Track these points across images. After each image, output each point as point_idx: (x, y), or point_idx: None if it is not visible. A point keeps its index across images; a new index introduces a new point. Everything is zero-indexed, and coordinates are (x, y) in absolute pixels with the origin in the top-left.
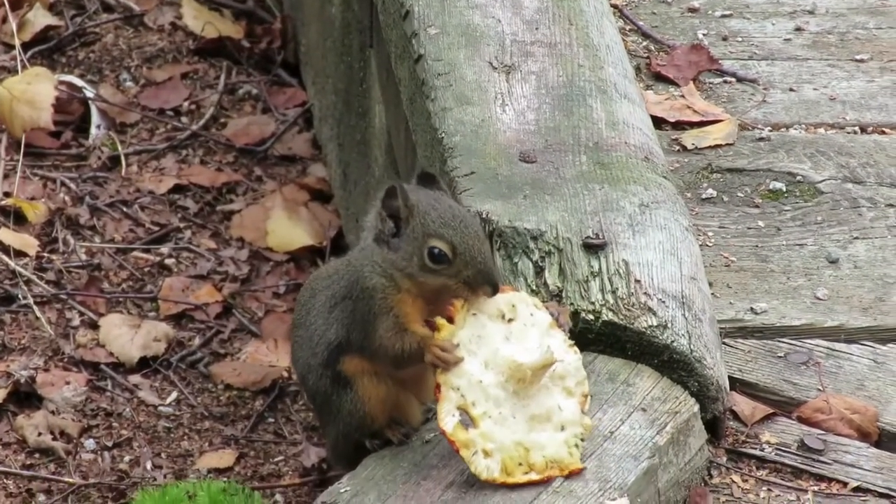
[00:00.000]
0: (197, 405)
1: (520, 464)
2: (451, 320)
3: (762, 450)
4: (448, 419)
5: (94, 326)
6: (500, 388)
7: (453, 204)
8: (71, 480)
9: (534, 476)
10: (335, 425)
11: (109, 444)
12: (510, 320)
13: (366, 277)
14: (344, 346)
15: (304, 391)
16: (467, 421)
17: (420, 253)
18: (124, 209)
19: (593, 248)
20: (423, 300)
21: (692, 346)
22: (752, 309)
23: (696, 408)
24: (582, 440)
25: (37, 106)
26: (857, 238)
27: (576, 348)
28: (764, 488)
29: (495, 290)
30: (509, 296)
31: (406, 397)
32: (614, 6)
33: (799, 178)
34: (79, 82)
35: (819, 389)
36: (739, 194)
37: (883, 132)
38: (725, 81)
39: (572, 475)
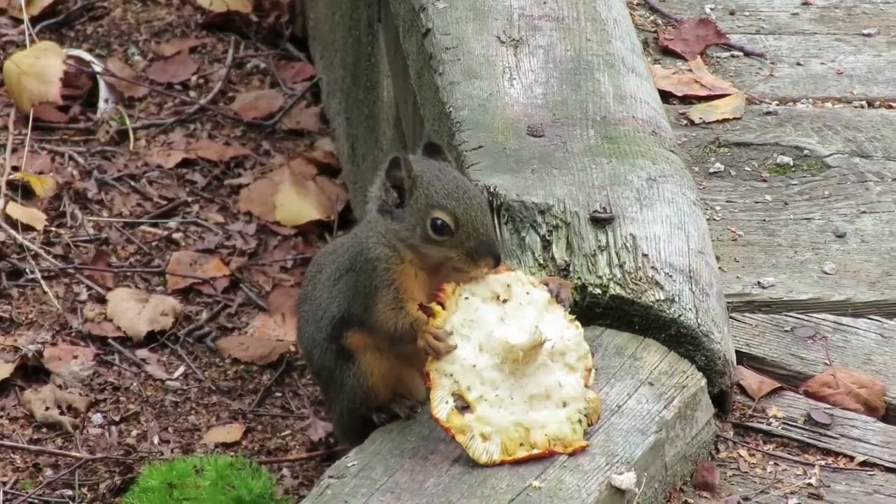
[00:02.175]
0: (204, 379)
1: (521, 444)
2: (442, 305)
3: (769, 424)
4: (441, 406)
5: (101, 301)
6: (495, 371)
7: (457, 175)
8: (78, 455)
9: (535, 452)
10: (340, 400)
11: (117, 418)
12: (504, 301)
13: (370, 248)
14: (346, 320)
15: (310, 366)
16: (463, 405)
17: (423, 223)
18: (132, 183)
19: (601, 222)
20: (426, 273)
21: (699, 321)
22: (759, 283)
23: (704, 382)
24: (586, 415)
25: (45, 80)
26: (864, 212)
27: (577, 323)
28: (771, 462)
29: (497, 262)
30: (504, 276)
31: (409, 372)
32: None
33: (806, 152)
34: (87, 56)
35: (826, 364)
36: (747, 168)
37: (890, 106)
38: (733, 56)
39: (576, 453)
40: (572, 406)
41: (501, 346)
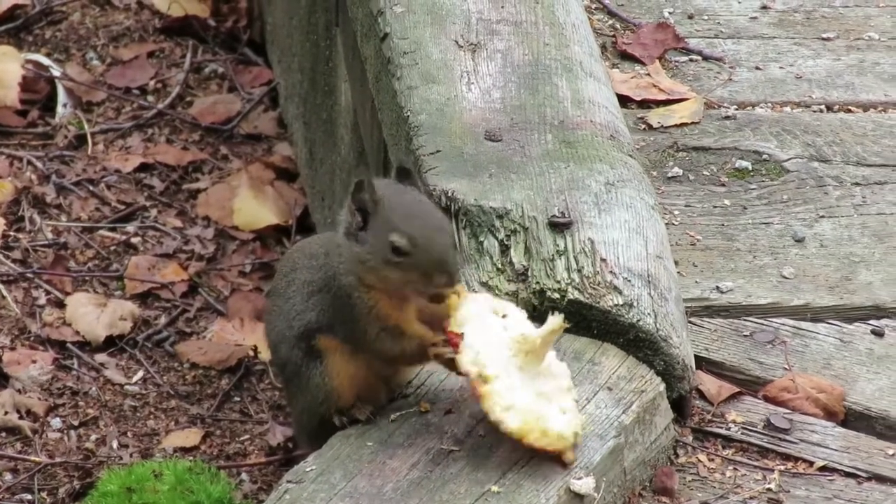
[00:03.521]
0: (163, 384)
1: (532, 431)
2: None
3: (728, 429)
4: (470, 368)
5: (60, 305)
6: (508, 362)
7: (421, 198)
8: (37, 459)
9: (548, 447)
10: (302, 397)
11: (76, 422)
12: (504, 316)
13: (340, 275)
14: (324, 330)
15: (274, 360)
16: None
17: (383, 248)
18: (90, 188)
19: (559, 226)
20: (397, 297)
21: (658, 325)
22: (717, 288)
23: (662, 387)
24: (576, 434)
25: (3, 84)
26: (823, 217)
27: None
28: (730, 467)
29: (452, 280)
30: (503, 303)
31: (377, 380)
32: None
33: (765, 156)
34: (45, 61)
35: (785, 368)
36: (705, 173)
37: (849, 110)
38: (691, 60)
39: (568, 465)
40: (569, 416)
41: (514, 339)
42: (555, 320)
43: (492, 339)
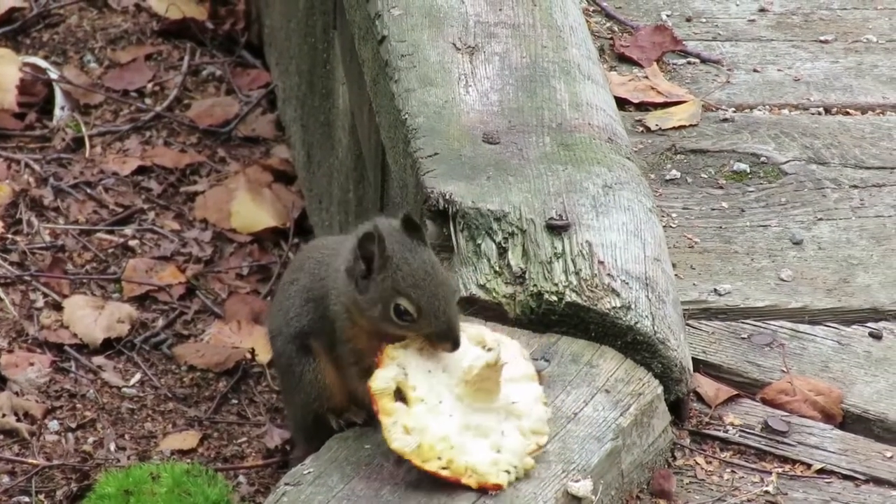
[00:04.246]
0: (160, 386)
1: (438, 457)
2: None
3: (726, 431)
4: (380, 382)
5: (57, 308)
6: (447, 388)
7: (427, 259)
8: (35, 461)
9: (444, 472)
10: (296, 394)
11: (73, 425)
12: (488, 349)
13: (331, 301)
14: (313, 335)
15: (272, 349)
16: (400, 398)
17: (385, 304)
18: (88, 190)
19: (557, 229)
20: (375, 340)
21: (656, 328)
22: (715, 290)
23: (660, 389)
24: (515, 477)
25: (1, 87)
26: (821, 219)
27: (547, 405)
28: (728, 470)
29: (455, 346)
30: (501, 336)
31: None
32: None
33: (763, 159)
34: (43, 64)
35: (783, 371)
36: (703, 175)
37: (847, 113)
38: (689, 62)
39: (486, 489)
40: (505, 456)
41: (463, 369)
42: (489, 356)
43: (436, 366)
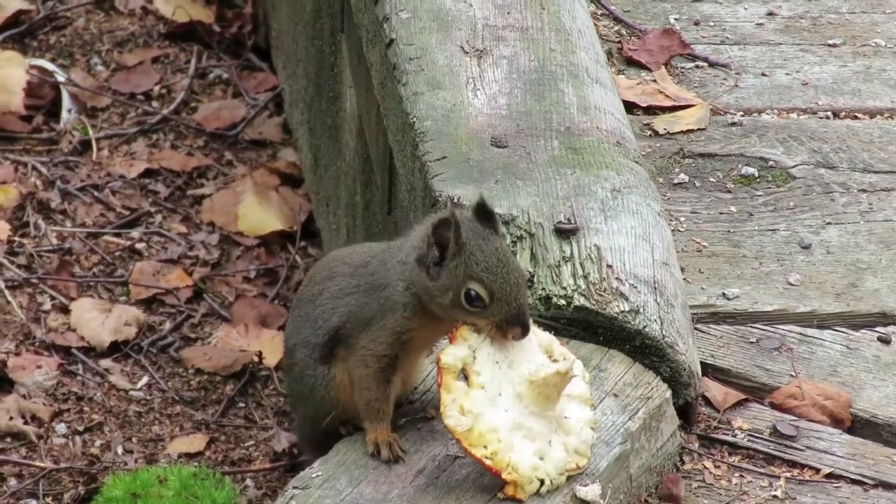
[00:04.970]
0: (168, 390)
1: (485, 446)
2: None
3: (734, 436)
4: (449, 357)
5: (65, 311)
6: (509, 383)
7: (500, 246)
8: (42, 465)
9: (487, 462)
10: (306, 407)
11: (80, 428)
12: (554, 360)
13: (397, 292)
14: (339, 335)
15: (287, 361)
16: (461, 377)
17: (457, 291)
18: (95, 193)
19: (565, 232)
20: (438, 332)
21: (664, 332)
22: (724, 294)
23: (668, 393)
24: (546, 490)
25: (8, 90)
26: (829, 223)
27: (594, 430)
28: (736, 474)
29: (525, 332)
30: (567, 351)
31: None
32: None
33: (771, 163)
34: (50, 66)
35: (791, 375)
36: (711, 179)
37: (855, 117)
38: (697, 66)
39: (510, 496)
40: (546, 466)
41: (527, 368)
42: (562, 364)
43: (503, 359)
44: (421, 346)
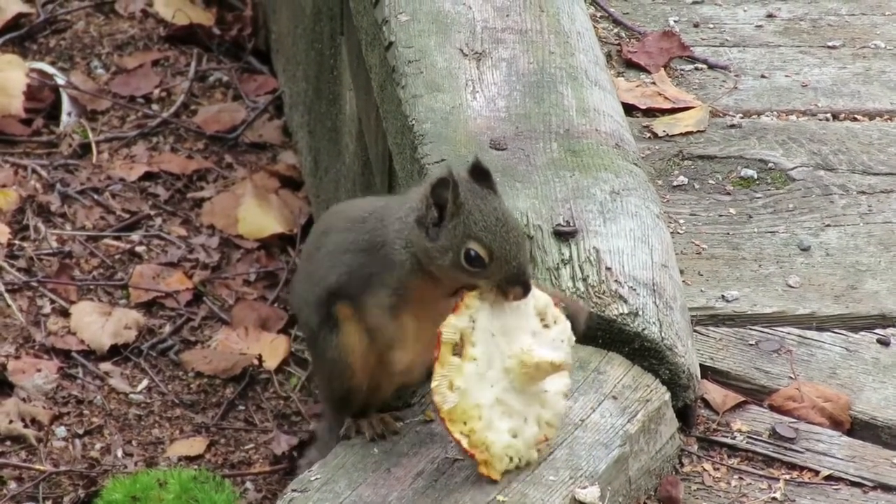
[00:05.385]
0: (168, 393)
1: (464, 422)
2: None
3: (733, 438)
4: (450, 330)
5: (65, 314)
6: (499, 357)
7: (499, 206)
8: (42, 468)
9: (463, 442)
10: (321, 368)
11: (80, 431)
12: (545, 325)
13: (395, 251)
14: (340, 293)
15: (299, 320)
16: (458, 350)
17: (457, 251)
18: (95, 196)
19: (564, 235)
20: (438, 290)
21: (663, 334)
22: (723, 296)
23: (667, 396)
24: (515, 466)
25: (8, 93)
26: (828, 225)
27: (568, 398)
28: (735, 476)
29: (527, 292)
30: (559, 313)
31: (388, 356)
32: None
33: (770, 165)
34: (50, 69)
35: (791, 377)
36: (711, 181)
37: (855, 119)
38: (697, 68)
39: (487, 476)
40: (517, 444)
41: (522, 340)
42: (559, 356)
43: (499, 330)
44: (423, 311)
